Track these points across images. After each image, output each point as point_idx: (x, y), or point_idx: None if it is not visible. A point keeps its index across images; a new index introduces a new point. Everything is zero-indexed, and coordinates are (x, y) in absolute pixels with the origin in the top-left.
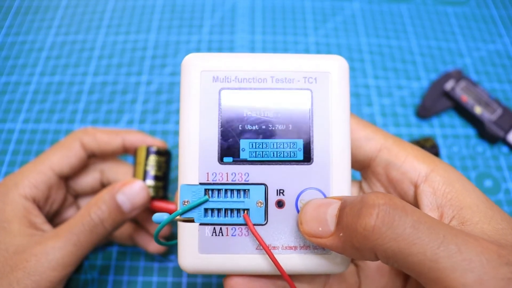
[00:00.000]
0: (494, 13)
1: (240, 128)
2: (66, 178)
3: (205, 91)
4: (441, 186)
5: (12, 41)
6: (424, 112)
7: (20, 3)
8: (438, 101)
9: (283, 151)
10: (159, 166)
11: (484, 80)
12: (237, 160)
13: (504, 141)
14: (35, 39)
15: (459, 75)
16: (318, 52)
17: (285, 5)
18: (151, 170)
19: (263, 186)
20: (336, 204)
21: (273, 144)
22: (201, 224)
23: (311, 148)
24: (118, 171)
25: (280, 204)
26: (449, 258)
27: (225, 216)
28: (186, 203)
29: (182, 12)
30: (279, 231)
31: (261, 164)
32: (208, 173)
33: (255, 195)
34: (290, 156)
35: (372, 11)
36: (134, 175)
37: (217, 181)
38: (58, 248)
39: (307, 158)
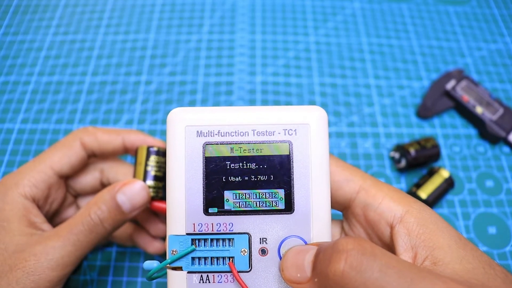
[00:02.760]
0: (496, 12)
1: (224, 180)
2: (66, 178)
3: (190, 146)
4: (415, 227)
5: (10, 40)
6: (425, 112)
7: (18, 2)
8: (439, 101)
9: (265, 201)
10: (159, 166)
11: (485, 80)
12: (222, 211)
13: (506, 141)
14: (33, 38)
15: (460, 75)
16: (319, 51)
17: (285, 4)
18: (152, 170)
19: (246, 235)
20: (313, 251)
21: (256, 195)
22: (189, 272)
23: (292, 197)
24: (118, 171)
25: (263, 251)
26: None
27: (211, 264)
28: (174, 253)
29: (182, 11)
30: (263, 277)
31: (245, 214)
32: (194, 224)
33: (239, 244)
34: (272, 206)
35: (372, 10)
36: (135, 175)
37: (203, 231)
38: (57, 248)
39: (288, 207)
